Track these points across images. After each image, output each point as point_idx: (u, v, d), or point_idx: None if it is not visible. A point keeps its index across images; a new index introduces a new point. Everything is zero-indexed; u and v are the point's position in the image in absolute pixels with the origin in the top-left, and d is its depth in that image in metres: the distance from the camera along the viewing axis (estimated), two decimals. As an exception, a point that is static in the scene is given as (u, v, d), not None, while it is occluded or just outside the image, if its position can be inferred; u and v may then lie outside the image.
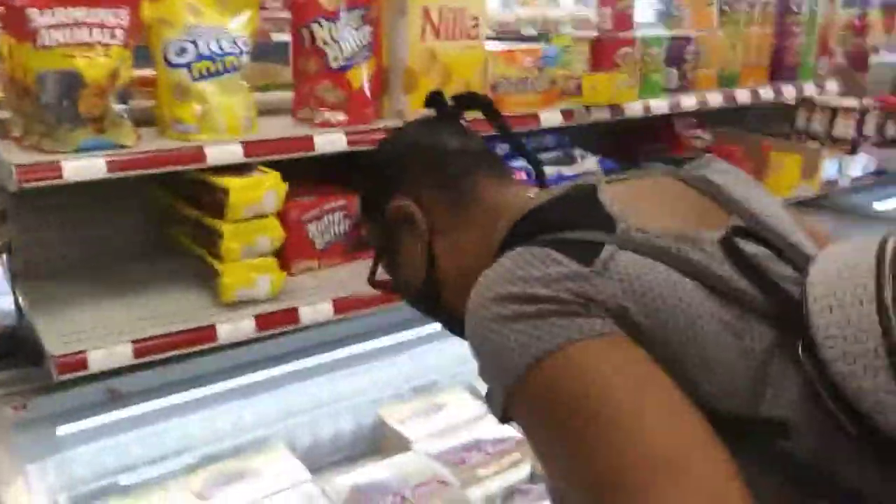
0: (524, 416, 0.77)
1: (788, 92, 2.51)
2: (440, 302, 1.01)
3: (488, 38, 1.93)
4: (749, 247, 0.81)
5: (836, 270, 0.75)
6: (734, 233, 0.81)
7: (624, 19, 2.20)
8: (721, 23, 2.38)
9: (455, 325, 1.02)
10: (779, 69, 2.51)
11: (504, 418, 0.79)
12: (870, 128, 2.80)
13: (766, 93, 2.43)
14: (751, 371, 0.75)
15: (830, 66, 2.69)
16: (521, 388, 0.74)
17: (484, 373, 0.80)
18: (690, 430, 0.69)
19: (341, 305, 1.59)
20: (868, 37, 3.31)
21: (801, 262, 0.82)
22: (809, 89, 2.59)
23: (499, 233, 0.93)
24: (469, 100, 1.09)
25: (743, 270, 0.79)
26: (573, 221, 0.83)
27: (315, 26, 1.62)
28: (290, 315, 1.54)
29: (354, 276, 1.70)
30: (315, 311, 1.56)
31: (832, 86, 2.64)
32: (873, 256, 0.73)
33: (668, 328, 0.74)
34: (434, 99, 1.09)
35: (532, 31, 3.41)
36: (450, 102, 1.08)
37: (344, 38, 1.64)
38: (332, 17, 1.62)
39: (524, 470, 1.75)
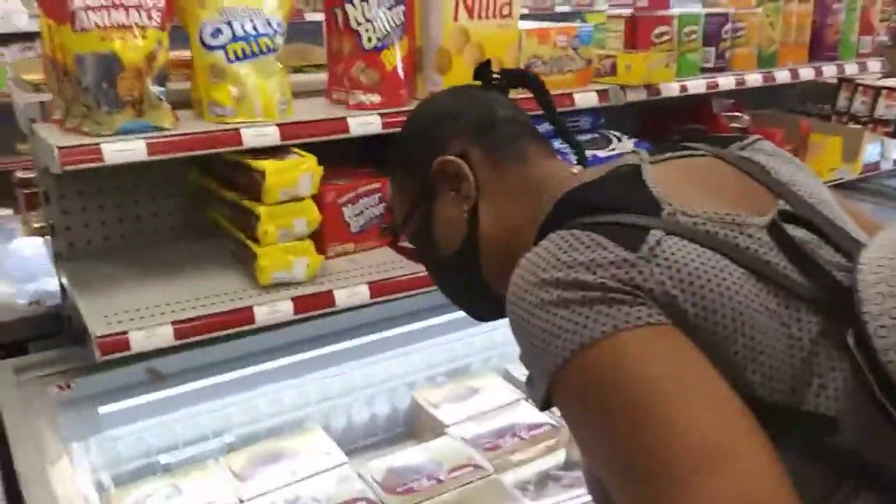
0: (566, 404, 0.78)
1: (829, 71, 2.51)
2: (475, 270, 1.00)
3: (522, 17, 1.95)
4: (797, 232, 0.81)
5: (889, 257, 0.76)
6: (781, 218, 0.82)
7: (660, -3, 2.21)
8: (760, 0, 2.38)
9: (481, 302, 1.05)
10: (819, 48, 2.51)
11: (545, 405, 0.79)
12: (914, 107, 2.78)
13: (806, 72, 2.43)
14: (797, 360, 0.75)
15: (873, 45, 2.67)
16: (564, 376, 0.75)
17: (526, 358, 0.81)
18: (736, 422, 0.69)
19: (377, 289, 1.63)
20: None
21: (849, 248, 0.82)
22: (851, 69, 2.58)
23: (543, 208, 0.93)
24: (518, 76, 1.10)
25: (791, 256, 0.80)
26: (618, 203, 0.83)
27: (348, 6, 1.65)
28: (327, 298, 1.58)
29: (390, 259, 1.74)
30: (351, 294, 1.60)
31: (875, 65, 2.63)
32: None
33: (716, 316, 0.75)
34: (483, 70, 1.10)
35: (566, 9, 3.41)
36: (498, 76, 1.09)
37: (377, 17, 1.67)
38: (365, -3, 1.66)
39: (558, 456, 1.78)
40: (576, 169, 1.00)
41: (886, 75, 2.77)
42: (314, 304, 1.57)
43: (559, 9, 2.86)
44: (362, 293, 1.61)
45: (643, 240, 0.77)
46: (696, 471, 0.66)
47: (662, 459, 0.68)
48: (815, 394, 0.75)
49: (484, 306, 1.07)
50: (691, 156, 0.96)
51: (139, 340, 1.42)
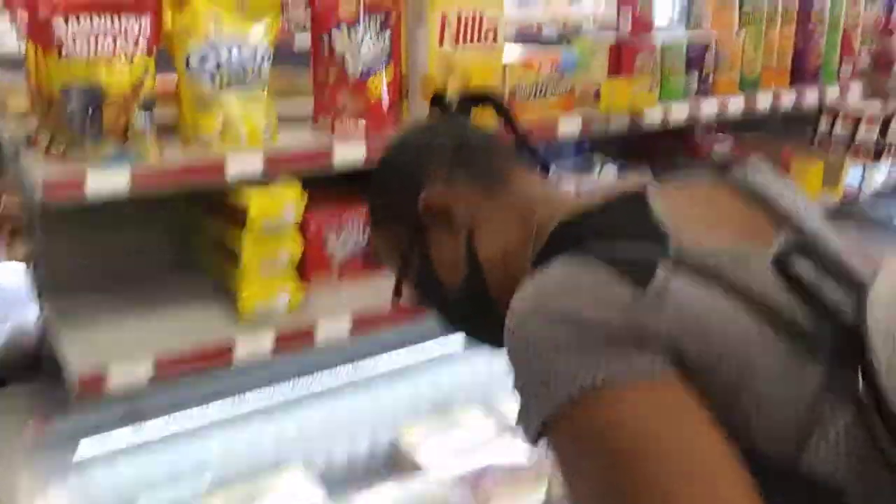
0: (557, 446, 0.79)
1: (811, 96, 2.62)
2: (486, 297, 1.00)
3: (509, 41, 2.03)
4: (802, 266, 0.82)
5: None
6: (787, 251, 0.82)
7: (643, 22, 2.31)
8: (742, 24, 2.48)
9: (499, 329, 1.04)
10: (801, 72, 2.61)
11: (535, 442, 0.81)
12: (894, 134, 2.91)
13: (788, 97, 2.54)
14: (802, 411, 0.76)
15: (854, 69, 2.79)
16: (558, 420, 0.76)
17: (519, 390, 0.81)
18: (730, 490, 0.70)
19: (360, 322, 1.68)
20: (894, 37, 3.42)
21: (853, 282, 0.83)
22: (833, 93, 2.69)
23: (542, 228, 0.94)
24: (477, 96, 1.12)
25: (797, 295, 0.80)
26: (625, 232, 0.84)
27: (335, 32, 1.71)
28: (309, 333, 1.62)
29: (373, 290, 1.79)
30: (333, 328, 1.64)
31: (856, 89, 2.75)
32: None
33: (722, 366, 0.76)
34: (439, 98, 1.12)
35: (553, 33, 3.49)
36: (455, 100, 1.11)
37: (363, 45, 1.73)
38: (352, 24, 1.72)
39: (539, 493, 1.84)
40: (573, 191, 1.04)
41: (867, 99, 2.89)
42: (296, 340, 1.61)
43: (546, 32, 2.95)
44: (344, 327, 1.66)
45: (651, 277, 0.78)
46: None
47: None
48: (815, 444, 0.75)
49: (501, 331, 1.10)
50: (696, 180, 0.97)
51: (118, 377, 1.44)
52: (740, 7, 2.48)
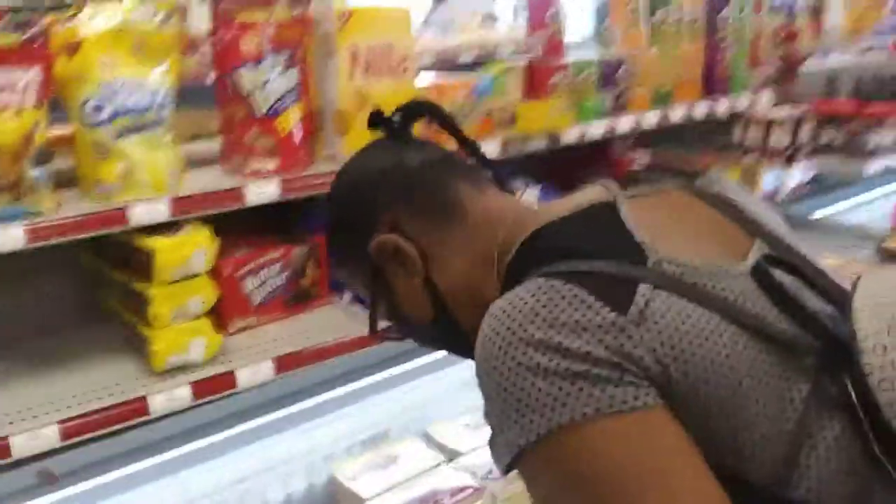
0: (532, 477, 0.75)
1: (722, 106, 2.63)
2: (457, 330, 0.96)
3: (426, 69, 1.97)
4: (782, 277, 0.79)
5: (883, 305, 0.74)
6: (765, 261, 0.79)
7: (555, 44, 2.28)
8: (651, 41, 2.47)
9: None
10: (711, 83, 2.62)
11: (507, 471, 0.77)
12: (804, 137, 2.94)
13: (700, 108, 2.54)
14: (791, 424, 0.73)
15: (762, 77, 2.81)
16: (535, 451, 0.72)
17: (492, 419, 0.77)
18: None
19: (283, 364, 1.60)
20: (797, 44, 3.47)
21: (833, 292, 0.81)
22: (743, 102, 2.71)
23: (506, 248, 0.89)
24: (413, 108, 1.05)
25: (778, 305, 0.77)
26: (598, 248, 0.79)
27: (239, 73, 1.63)
28: (228, 379, 1.53)
29: (295, 331, 1.70)
30: (255, 372, 1.56)
31: (765, 97, 2.77)
32: None
33: (708, 387, 0.72)
34: (377, 118, 1.04)
35: (469, 59, 3.45)
36: (394, 118, 1.04)
37: (270, 82, 1.65)
38: (256, 62, 1.64)
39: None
40: (533, 204, 0.98)
41: (776, 106, 2.92)
42: (214, 388, 1.52)
43: (464, 58, 2.91)
44: (266, 370, 1.57)
45: (631, 299, 0.73)
46: None
47: None
48: (804, 458, 0.73)
49: None
50: (665, 191, 0.93)
51: (22, 445, 1.34)
52: (650, 24, 2.47)
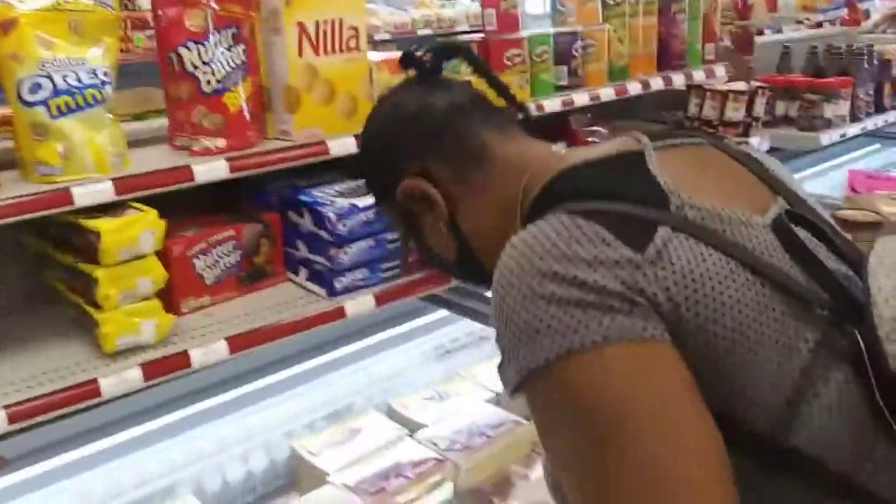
0: (537, 401, 0.76)
1: (678, 80, 2.59)
2: (480, 269, 0.97)
3: (384, 41, 1.91)
4: (801, 233, 0.79)
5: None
6: (786, 216, 0.79)
7: (509, 19, 2.22)
8: (606, 17, 2.42)
9: None
10: (667, 58, 2.58)
11: (514, 393, 0.77)
12: (759, 109, 2.91)
13: (656, 82, 2.50)
14: (796, 370, 0.73)
15: (717, 51, 2.78)
16: (542, 375, 0.72)
17: (503, 343, 0.77)
18: (708, 463, 0.68)
19: (237, 343, 1.54)
20: (752, 18, 3.44)
21: (850, 252, 0.82)
22: (699, 75, 2.67)
23: (531, 188, 0.89)
24: (445, 50, 1.06)
25: (796, 258, 0.78)
26: (623, 191, 0.79)
27: (183, 50, 1.56)
28: (181, 360, 1.47)
29: (252, 309, 1.65)
30: (207, 352, 1.50)
31: (720, 70, 2.74)
32: None
33: (716, 326, 0.72)
34: (409, 58, 1.04)
35: (428, 32, 3.39)
36: (425, 57, 1.04)
37: (215, 59, 1.59)
38: (201, 38, 1.57)
39: (445, 491, 1.74)
40: (560, 148, 0.96)
41: (732, 79, 2.89)
42: (166, 368, 1.46)
43: (421, 32, 2.84)
44: (220, 350, 1.52)
45: (650, 239, 0.73)
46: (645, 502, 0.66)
47: (616, 484, 0.67)
48: (808, 403, 0.73)
49: None
50: (691, 144, 0.92)
51: (-32, 430, 1.28)
52: (604, 0, 2.42)
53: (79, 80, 1.42)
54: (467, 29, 2.50)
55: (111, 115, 1.48)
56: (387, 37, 2.50)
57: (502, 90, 1.09)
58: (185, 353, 1.48)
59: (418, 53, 1.04)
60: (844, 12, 4.42)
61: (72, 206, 1.39)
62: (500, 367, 0.79)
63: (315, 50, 1.70)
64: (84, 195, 1.40)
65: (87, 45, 1.44)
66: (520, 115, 1.09)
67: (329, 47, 1.73)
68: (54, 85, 1.40)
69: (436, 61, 1.04)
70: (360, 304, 1.68)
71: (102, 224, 1.41)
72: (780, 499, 0.74)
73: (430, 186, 0.96)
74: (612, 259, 0.72)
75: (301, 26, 1.68)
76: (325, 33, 1.72)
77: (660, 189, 0.79)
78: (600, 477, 0.69)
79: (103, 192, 1.42)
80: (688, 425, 0.69)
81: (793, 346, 0.74)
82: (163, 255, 1.51)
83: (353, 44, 1.77)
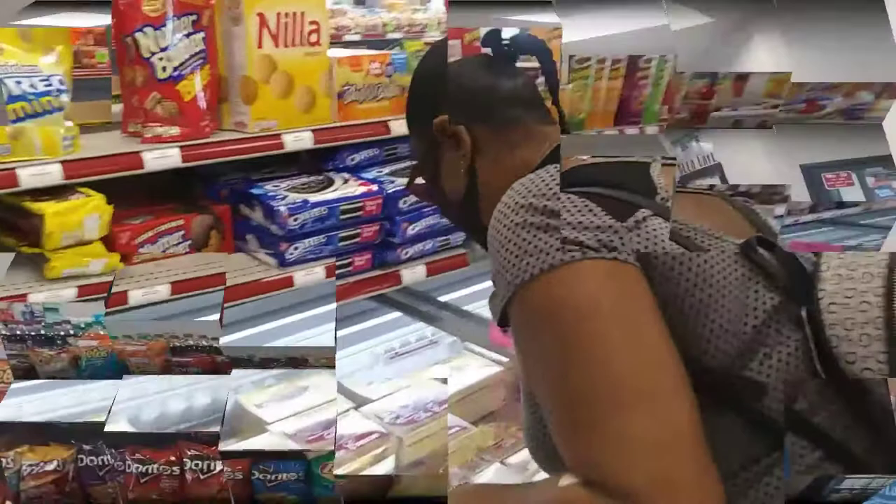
0: (519, 320, 0.78)
1: (632, 132, 2.60)
2: (476, 217, 1.02)
3: (354, 43, 1.87)
4: (765, 255, 0.84)
5: (853, 254, 0.83)
6: (757, 242, 0.84)
7: (472, 52, 2.19)
8: (570, 79, 2.42)
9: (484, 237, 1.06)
10: (624, 115, 2.59)
11: (502, 321, 0.81)
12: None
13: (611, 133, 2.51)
14: (749, 328, 0.78)
15: (670, 119, 2.80)
16: (525, 292, 0.76)
17: (495, 271, 0.81)
18: (665, 369, 0.72)
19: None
20: (714, 98, 3.45)
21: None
22: (652, 131, 2.70)
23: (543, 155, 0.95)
24: (527, 45, 1.07)
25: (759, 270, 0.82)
26: (621, 180, 0.85)
27: (139, 35, 1.52)
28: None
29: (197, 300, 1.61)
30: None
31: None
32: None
33: (682, 268, 0.78)
34: (493, 37, 1.06)
35: (398, 36, 3.35)
36: (505, 40, 1.07)
37: (172, 46, 1.54)
38: (158, 24, 1.53)
39: (387, 464, 1.72)
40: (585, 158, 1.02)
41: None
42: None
43: (391, 35, 2.80)
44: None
45: (631, 214, 0.79)
46: (618, 406, 0.70)
47: (590, 390, 0.71)
48: (759, 361, 0.78)
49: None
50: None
51: None
52: (569, 64, 2.41)
53: (33, 87, 1.40)
54: (437, 36, 2.47)
55: (69, 123, 1.44)
56: (357, 38, 2.47)
57: (557, 104, 1.13)
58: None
59: (504, 37, 1.07)
60: (803, 105, 4.49)
61: (17, 187, 1.35)
62: (490, 299, 0.84)
63: (275, 42, 1.67)
64: (30, 177, 1.35)
65: (39, 53, 1.42)
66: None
67: (289, 40, 1.70)
68: (8, 91, 1.37)
69: (514, 50, 1.07)
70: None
71: (46, 207, 1.37)
72: (732, 435, 0.78)
73: (465, 133, 1.01)
74: (594, 224, 0.78)
75: (261, 17, 1.64)
76: (285, 26, 1.69)
77: (652, 184, 0.86)
78: (568, 381, 0.73)
79: (51, 174, 1.37)
80: (652, 334, 0.73)
81: (749, 304, 0.79)
82: (109, 241, 1.46)
83: (313, 38, 1.74)
